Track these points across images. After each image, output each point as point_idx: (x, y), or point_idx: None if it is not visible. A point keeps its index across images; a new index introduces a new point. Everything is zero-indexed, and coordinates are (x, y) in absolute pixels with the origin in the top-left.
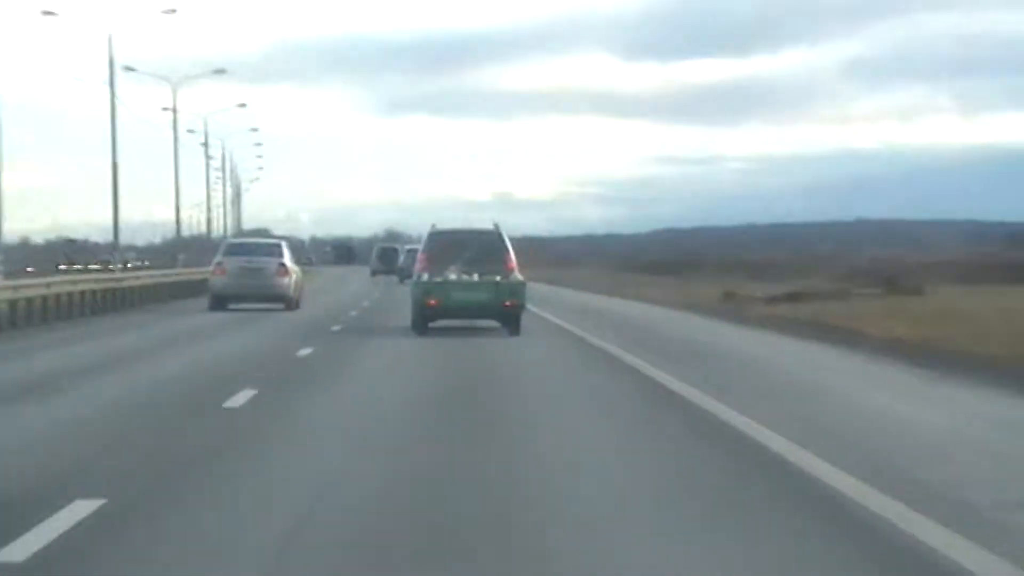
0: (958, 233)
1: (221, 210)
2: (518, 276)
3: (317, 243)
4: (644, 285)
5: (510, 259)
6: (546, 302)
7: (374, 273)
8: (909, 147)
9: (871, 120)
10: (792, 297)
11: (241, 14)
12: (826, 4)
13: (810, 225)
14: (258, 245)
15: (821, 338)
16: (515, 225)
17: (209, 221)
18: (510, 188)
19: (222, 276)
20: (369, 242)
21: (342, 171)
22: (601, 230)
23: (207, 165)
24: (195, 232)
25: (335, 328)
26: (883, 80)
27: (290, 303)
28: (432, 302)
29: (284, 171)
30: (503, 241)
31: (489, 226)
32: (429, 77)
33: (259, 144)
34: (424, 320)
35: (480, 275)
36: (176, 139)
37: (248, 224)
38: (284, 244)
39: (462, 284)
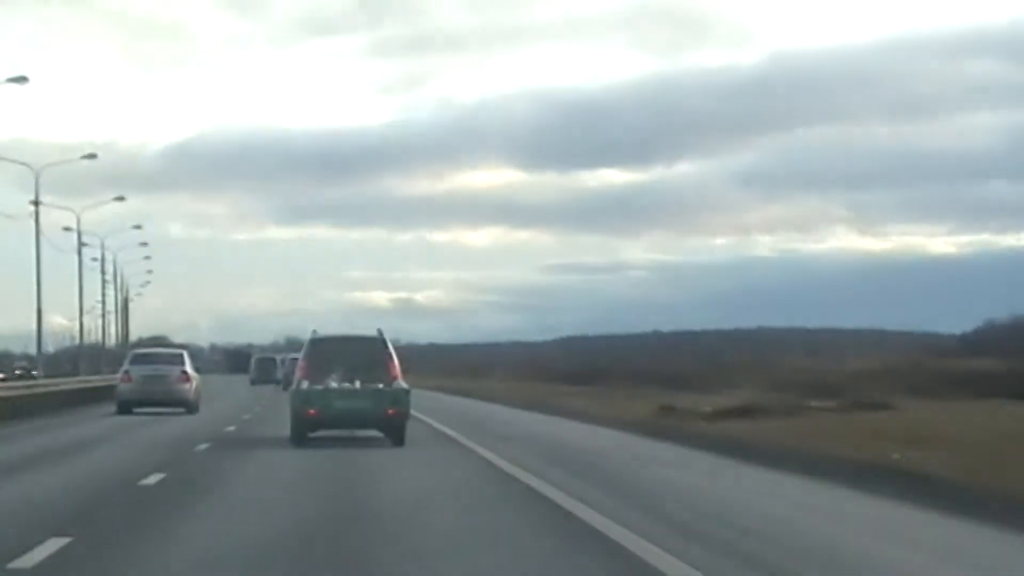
0: (863, 342)
1: (111, 317)
2: (402, 384)
3: (216, 350)
4: (564, 396)
5: (394, 366)
6: (457, 419)
7: (253, 382)
8: (807, 256)
9: (768, 230)
10: (742, 412)
11: (134, 122)
12: (718, 118)
13: (712, 332)
14: (161, 355)
15: (817, 472)
16: (416, 332)
17: (104, 329)
18: (411, 295)
19: (129, 383)
20: (271, 349)
21: (241, 279)
22: (503, 338)
23: (103, 280)
24: (88, 340)
25: (204, 446)
26: (777, 191)
27: (191, 407)
28: (312, 411)
29: (183, 279)
30: (386, 347)
31: (372, 332)
32: (329, 185)
33: (148, 257)
34: (303, 430)
35: (362, 383)
36: (80, 261)
37: (146, 332)
38: (185, 353)
39: (343, 392)
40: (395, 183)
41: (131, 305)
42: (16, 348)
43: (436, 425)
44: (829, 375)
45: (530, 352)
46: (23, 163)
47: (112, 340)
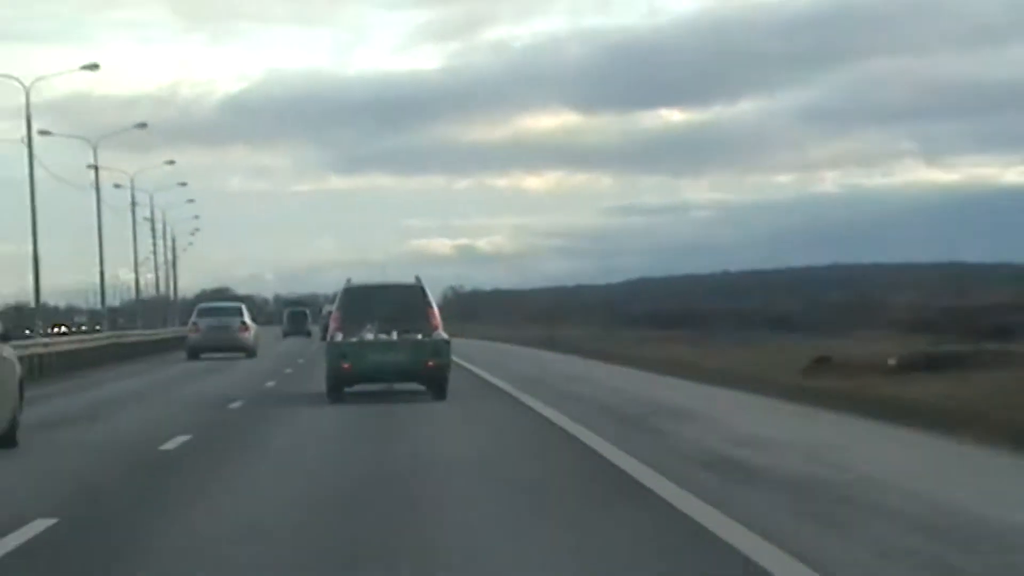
0: (942, 276)
1: (162, 271)
2: (442, 334)
3: (280, 301)
4: (654, 343)
5: (433, 315)
6: (570, 397)
7: (285, 335)
8: (873, 191)
9: (833, 165)
10: (929, 364)
11: (189, 75)
12: (777, 53)
13: (784, 271)
14: (223, 308)
15: None
16: (479, 279)
17: (167, 283)
18: (472, 242)
19: (197, 333)
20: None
21: (303, 230)
22: (568, 281)
23: (153, 235)
24: (145, 294)
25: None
26: (841, 126)
27: (250, 352)
28: (346, 365)
29: (245, 231)
30: (425, 296)
31: (410, 280)
32: (385, 134)
33: (196, 217)
34: (339, 386)
35: (400, 334)
36: (134, 219)
37: (211, 284)
38: (244, 306)
39: (379, 344)
40: (452, 129)
41: (193, 258)
42: (79, 303)
43: (515, 394)
44: (961, 313)
45: (597, 295)
46: (80, 137)
47: (162, 291)
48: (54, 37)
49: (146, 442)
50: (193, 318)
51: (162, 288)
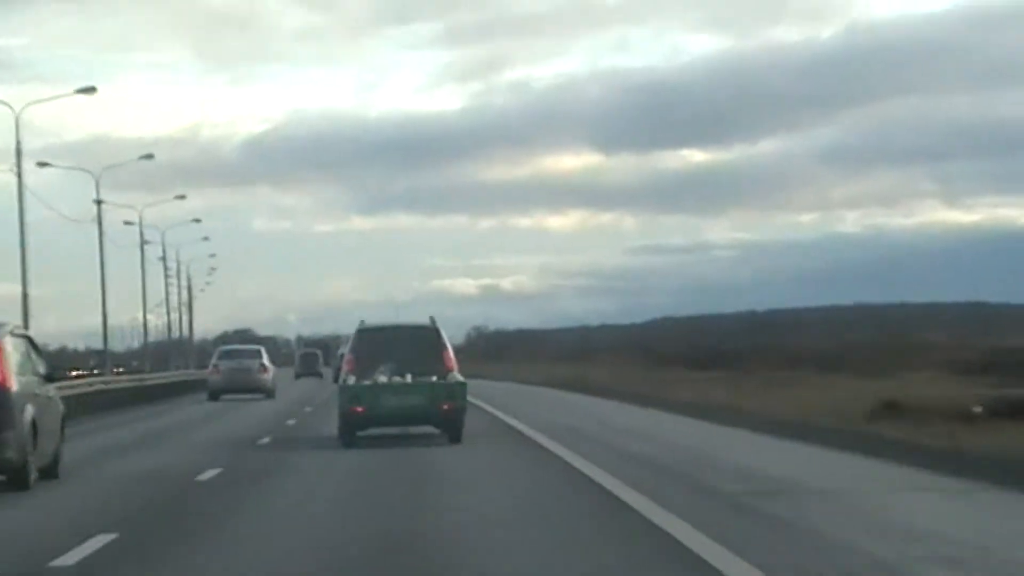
0: (967, 317)
1: (178, 312)
2: (458, 376)
3: (301, 342)
4: (689, 384)
5: (448, 357)
6: (622, 455)
7: (298, 376)
8: (894, 231)
9: (853, 205)
10: (1017, 410)
11: (212, 116)
12: (797, 94)
13: (811, 310)
14: (243, 351)
15: None
16: (503, 319)
17: (180, 325)
18: (496, 282)
19: (218, 375)
20: None
21: (326, 270)
22: (593, 321)
23: (165, 275)
24: (163, 336)
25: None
26: (860, 166)
27: (269, 393)
28: (359, 409)
29: (268, 271)
30: (440, 337)
31: (425, 320)
32: (408, 174)
33: (213, 255)
34: (351, 430)
35: (414, 376)
36: (143, 257)
37: (233, 325)
38: (263, 349)
39: (393, 387)
40: (474, 169)
41: (215, 298)
42: (96, 344)
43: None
44: (1005, 354)
45: (622, 335)
46: (84, 169)
47: (175, 334)
48: (76, 79)
49: (184, 474)
50: (214, 360)
51: (176, 330)
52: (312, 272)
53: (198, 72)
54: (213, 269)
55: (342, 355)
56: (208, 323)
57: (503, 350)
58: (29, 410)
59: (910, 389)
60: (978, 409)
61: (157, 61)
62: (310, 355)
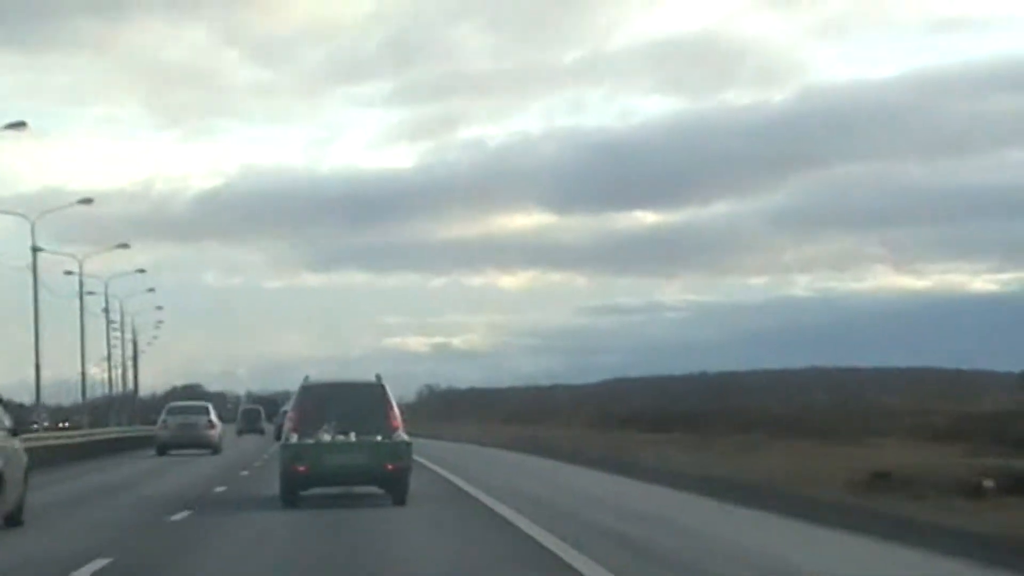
0: (920, 381)
1: (122, 368)
2: (403, 435)
3: (251, 398)
4: (650, 447)
5: (394, 415)
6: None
7: (239, 432)
8: (845, 295)
9: (805, 269)
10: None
11: (163, 171)
12: (749, 156)
13: (762, 373)
14: (191, 407)
15: None
16: (454, 377)
17: (136, 380)
18: (447, 339)
19: (166, 431)
20: None
21: (276, 326)
22: (545, 381)
23: (107, 328)
24: (106, 391)
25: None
26: (812, 229)
27: (216, 449)
28: (301, 468)
29: (218, 326)
30: (385, 394)
31: (370, 377)
32: (359, 231)
33: (160, 307)
34: (293, 489)
35: (358, 435)
36: (82, 307)
37: (182, 379)
38: (210, 406)
39: (337, 446)
40: (427, 227)
41: (164, 353)
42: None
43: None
44: (969, 421)
45: (574, 395)
46: (19, 213)
47: (120, 389)
48: (29, 132)
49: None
50: (163, 416)
51: (120, 385)
52: (263, 328)
53: (151, 127)
54: (160, 322)
55: (284, 411)
56: (157, 377)
57: (455, 409)
58: None
59: (884, 456)
60: (989, 483)
61: (110, 115)
62: (252, 411)
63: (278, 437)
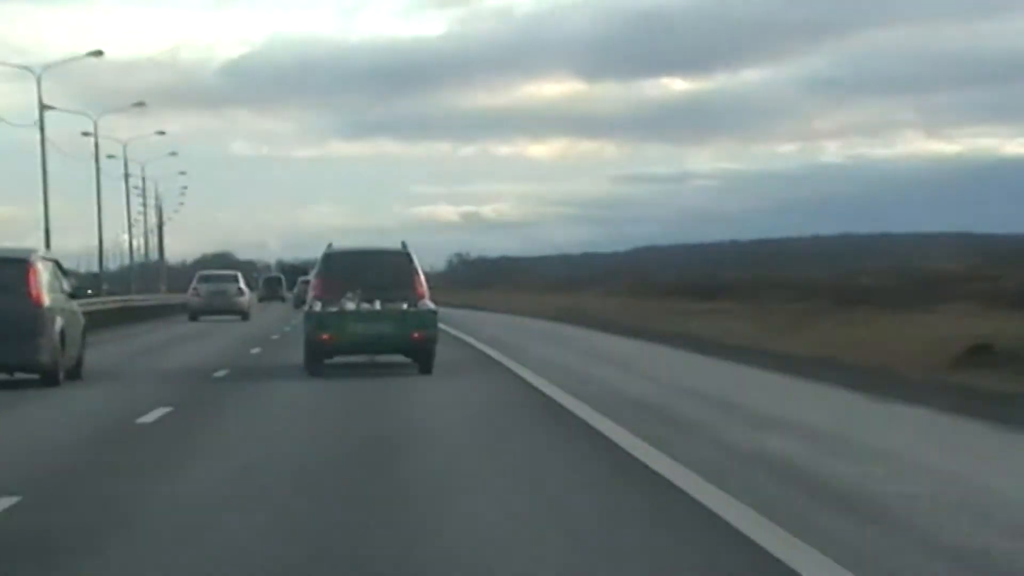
0: (957, 247)
1: (150, 236)
2: (429, 303)
3: (281, 266)
4: (698, 317)
5: (420, 283)
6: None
7: (260, 299)
8: (876, 161)
9: (835, 136)
10: None
11: (191, 38)
12: (780, 23)
13: (794, 240)
14: (221, 275)
15: None
16: (485, 246)
17: (161, 248)
18: (477, 208)
19: (197, 298)
20: None
21: (307, 195)
22: (575, 250)
23: (127, 196)
24: (141, 257)
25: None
26: (843, 96)
27: (245, 315)
28: (326, 336)
29: (249, 195)
30: (411, 262)
31: (396, 245)
32: (389, 100)
33: (184, 183)
34: (318, 358)
35: (384, 303)
36: (98, 170)
37: (213, 248)
38: (239, 274)
39: (361, 314)
40: (455, 96)
41: (195, 222)
42: (71, 266)
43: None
44: None
45: (605, 264)
46: (23, 67)
47: (151, 256)
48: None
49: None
50: (194, 284)
51: (144, 253)
52: (293, 197)
53: None
54: (184, 188)
55: (304, 280)
56: (188, 247)
57: (487, 278)
58: (58, 322)
59: (961, 325)
60: None
61: None
62: (273, 279)
63: (297, 305)
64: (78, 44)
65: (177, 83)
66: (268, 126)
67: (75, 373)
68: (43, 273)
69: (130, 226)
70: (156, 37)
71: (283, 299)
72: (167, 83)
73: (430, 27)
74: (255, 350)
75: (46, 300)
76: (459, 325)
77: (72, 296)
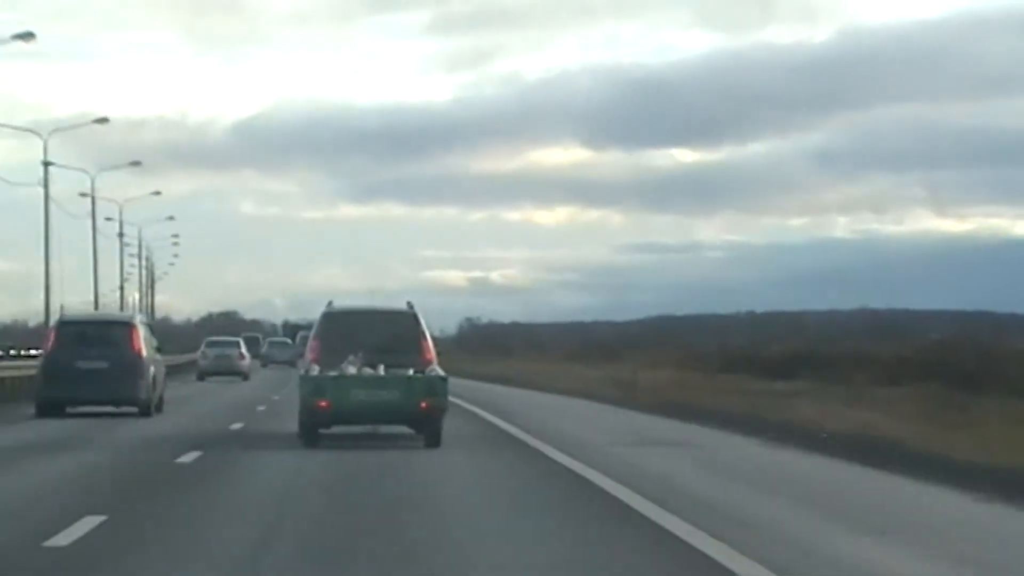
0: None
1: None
2: (438, 369)
3: (288, 327)
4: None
5: (428, 347)
6: None
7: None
8: (885, 238)
9: (845, 211)
10: None
11: (200, 99)
12: (789, 96)
13: (809, 314)
14: (226, 341)
15: None
16: (493, 312)
17: (152, 307)
18: (486, 274)
19: (205, 360)
20: None
21: (314, 257)
22: (584, 317)
23: (140, 269)
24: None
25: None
26: (852, 171)
27: (245, 376)
28: (323, 403)
29: (256, 255)
30: (418, 324)
31: (402, 305)
32: (397, 163)
33: (176, 239)
34: (314, 427)
35: (387, 368)
36: (95, 228)
37: (220, 307)
38: (241, 340)
39: (363, 380)
40: (464, 161)
41: (200, 280)
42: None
43: None
44: None
45: (618, 331)
46: (29, 129)
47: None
48: (65, 56)
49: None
50: (202, 348)
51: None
52: (300, 258)
53: (188, 54)
54: (176, 241)
55: (304, 339)
56: (193, 305)
57: (501, 344)
58: (151, 369)
59: None
60: None
61: (147, 41)
62: (250, 338)
63: (263, 365)
64: (88, 102)
65: (187, 142)
66: (276, 187)
67: (160, 407)
68: (142, 332)
69: (122, 287)
70: (165, 96)
71: (266, 359)
72: (176, 142)
73: (438, 92)
74: (260, 407)
75: (144, 353)
76: (491, 406)
77: (158, 350)
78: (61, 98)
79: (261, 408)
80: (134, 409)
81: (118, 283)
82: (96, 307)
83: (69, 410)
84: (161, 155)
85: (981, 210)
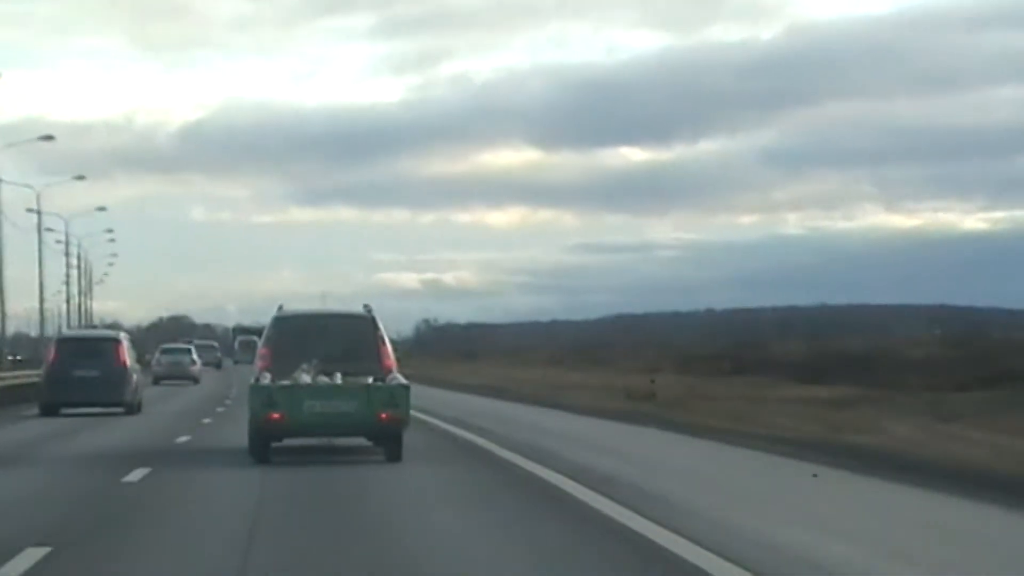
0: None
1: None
2: (399, 377)
3: (239, 329)
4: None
5: (387, 353)
6: None
7: (236, 362)
8: (836, 234)
9: (795, 207)
10: None
11: (146, 103)
12: (738, 94)
13: (767, 311)
14: (178, 349)
15: None
16: (448, 314)
17: (91, 313)
18: (439, 276)
19: (159, 366)
20: None
21: (266, 261)
22: (541, 317)
23: (68, 264)
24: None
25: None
26: (802, 168)
27: (196, 381)
28: (276, 416)
29: (207, 260)
30: (376, 329)
31: (358, 308)
32: (347, 167)
33: (112, 240)
34: (265, 441)
35: (345, 376)
36: (40, 241)
37: (170, 311)
38: (192, 347)
39: (318, 390)
40: (414, 163)
41: (154, 285)
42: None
43: None
44: None
45: (578, 332)
46: (26, 186)
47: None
48: (9, 62)
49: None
50: (156, 355)
51: (74, 319)
52: (251, 262)
53: (132, 58)
54: (114, 255)
55: (245, 340)
56: (143, 311)
57: (465, 347)
58: (134, 378)
59: None
60: None
61: (92, 46)
62: (205, 346)
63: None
64: (32, 106)
65: (134, 147)
66: (225, 191)
67: (140, 409)
68: (127, 346)
69: (68, 297)
70: (112, 101)
71: (219, 365)
72: (123, 147)
73: (387, 94)
74: (220, 408)
75: (129, 363)
76: (508, 441)
77: (138, 361)
78: (5, 104)
79: (222, 408)
80: (120, 410)
81: (56, 289)
82: (41, 316)
83: (64, 411)
84: (107, 160)
85: (930, 205)
